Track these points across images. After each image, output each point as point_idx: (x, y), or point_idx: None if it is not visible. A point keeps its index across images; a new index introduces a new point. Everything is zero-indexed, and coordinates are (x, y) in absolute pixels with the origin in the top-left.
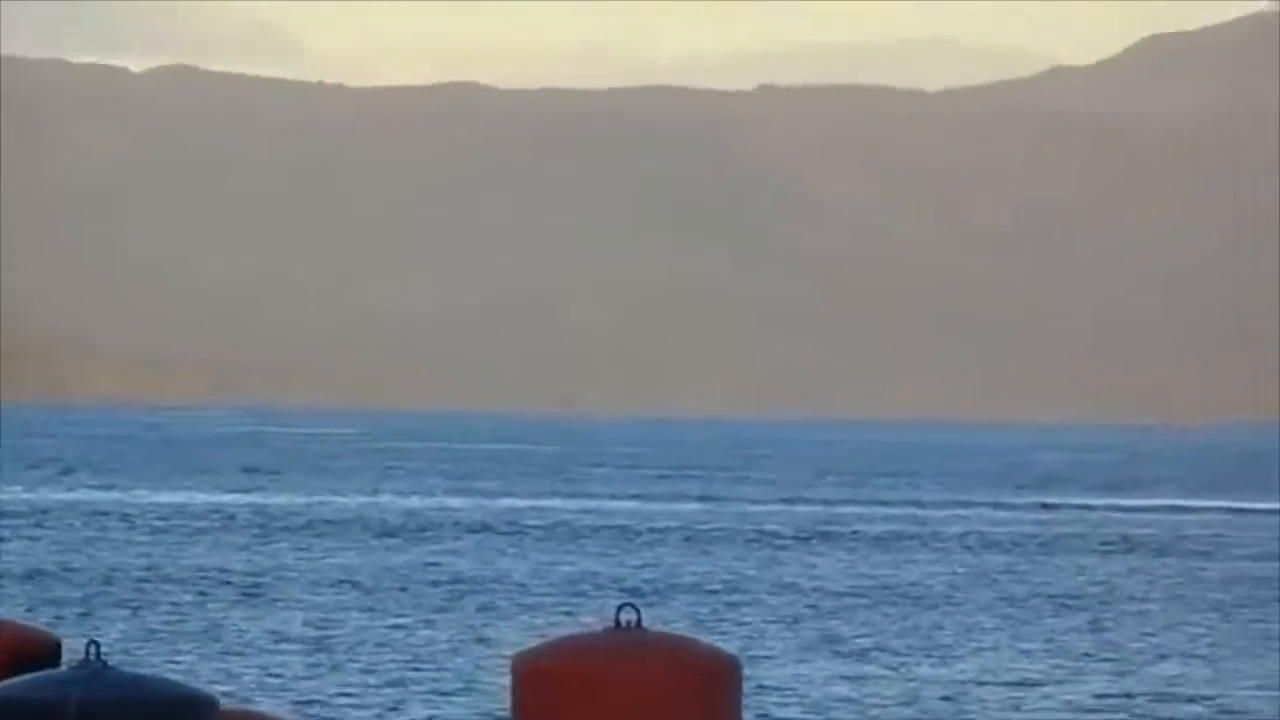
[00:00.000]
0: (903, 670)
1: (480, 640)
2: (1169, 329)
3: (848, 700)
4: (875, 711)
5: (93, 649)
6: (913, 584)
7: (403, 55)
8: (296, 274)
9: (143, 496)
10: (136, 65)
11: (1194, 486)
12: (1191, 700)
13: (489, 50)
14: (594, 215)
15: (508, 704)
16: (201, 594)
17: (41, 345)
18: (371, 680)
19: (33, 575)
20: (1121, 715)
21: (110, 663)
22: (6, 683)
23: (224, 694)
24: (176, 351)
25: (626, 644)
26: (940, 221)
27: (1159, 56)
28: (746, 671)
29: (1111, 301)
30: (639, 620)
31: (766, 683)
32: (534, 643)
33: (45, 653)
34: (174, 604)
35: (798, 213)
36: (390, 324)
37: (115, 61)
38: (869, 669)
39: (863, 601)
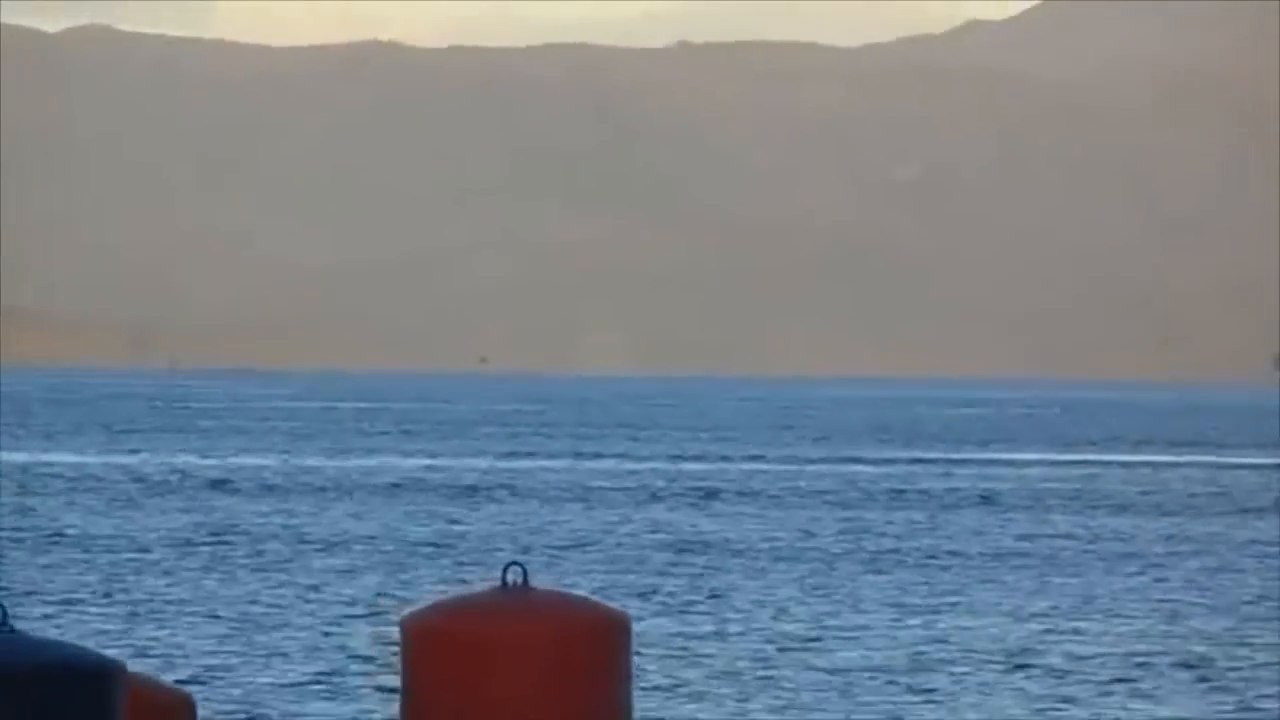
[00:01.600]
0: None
1: (365, 602)
2: (1073, 285)
3: (717, 652)
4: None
5: None
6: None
7: (314, 15)
8: (211, 231)
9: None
10: (52, 25)
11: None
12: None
13: (399, 8)
14: (502, 173)
15: (398, 664)
16: (101, 557)
17: None
18: (260, 642)
19: None
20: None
21: (16, 628)
22: None
23: (130, 660)
24: (91, 312)
25: (515, 602)
26: (852, 178)
27: (1070, 11)
28: (635, 627)
29: (1019, 258)
30: (526, 578)
31: (651, 638)
32: (422, 602)
33: None
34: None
35: (709, 170)
36: (301, 281)
37: (29, 22)
38: (736, 620)
39: (762, 558)
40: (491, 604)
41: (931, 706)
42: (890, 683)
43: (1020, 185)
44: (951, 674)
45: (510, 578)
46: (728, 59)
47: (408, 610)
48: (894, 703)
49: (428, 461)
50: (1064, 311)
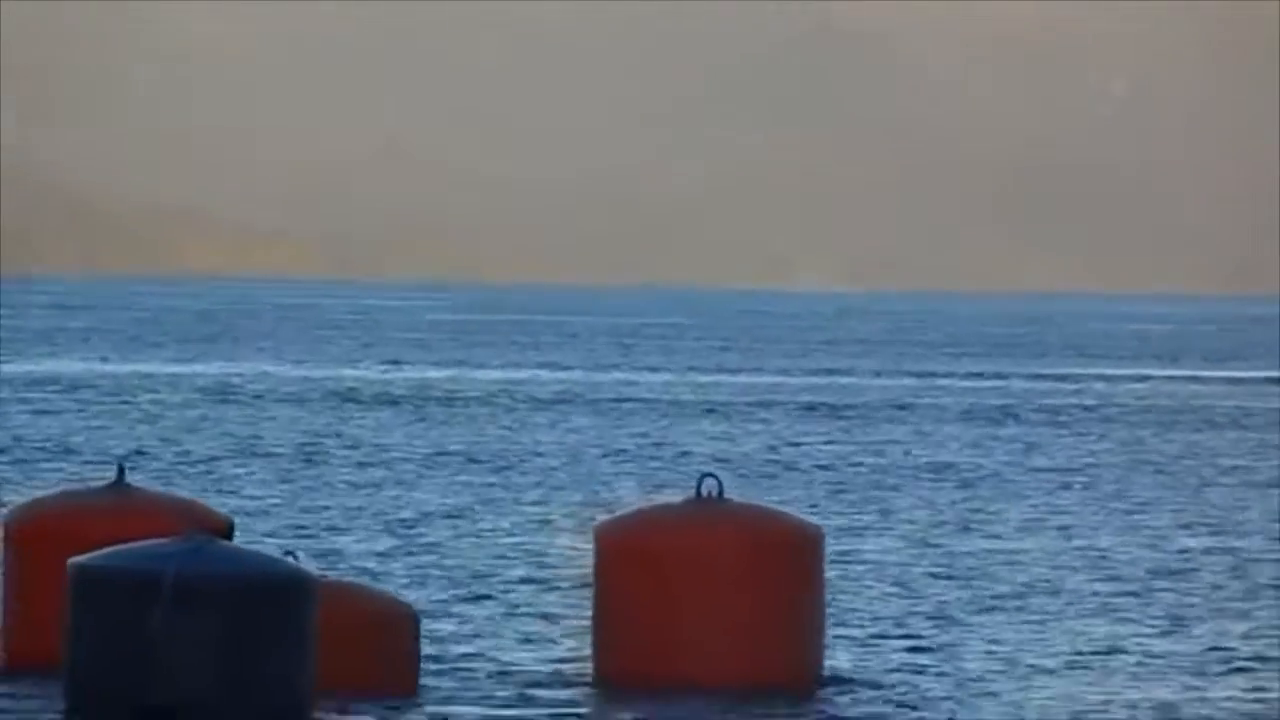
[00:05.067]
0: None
1: (559, 510)
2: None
3: (930, 576)
4: (961, 584)
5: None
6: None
7: None
8: (402, 142)
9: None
10: None
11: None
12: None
13: None
14: (693, 90)
15: (590, 571)
16: (305, 462)
17: (150, 214)
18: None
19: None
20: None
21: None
22: (109, 550)
23: (324, 569)
24: (283, 224)
25: (708, 513)
26: (1058, 95)
27: None
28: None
29: (1217, 180)
30: (721, 490)
31: (847, 553)
32: (616, 512)
33: (216, 533)
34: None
35: (912, 89)
36: (486, 196)
37: None
38: (942, 544)
39: (929, 478)
40: (684, 514)
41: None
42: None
43: (1231, 105)
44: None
45: (705, 489)
46: None
47: (601, 519)
48: None
49: (621, 375)
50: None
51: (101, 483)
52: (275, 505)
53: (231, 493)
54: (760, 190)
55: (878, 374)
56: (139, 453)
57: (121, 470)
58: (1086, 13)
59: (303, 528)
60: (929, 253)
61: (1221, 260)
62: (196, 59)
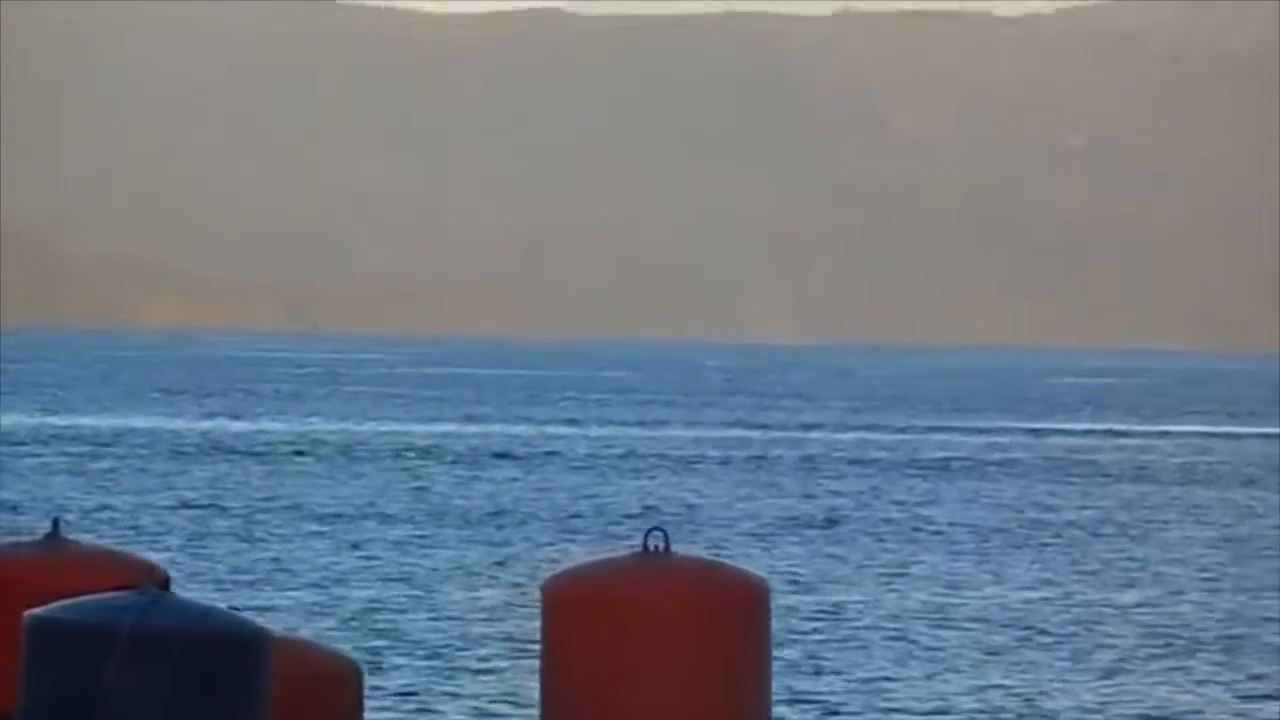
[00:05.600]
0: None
1: (503, 565)
2: (1239, 258)
3: (876, 625)
4: (905, 626)
5: (156, 574)
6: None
7: None
8: (371, 195)
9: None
10: None
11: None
12: None
13: None
14: (660, 138)
15: (536, 627)
16: (250, 525)
17: (104, 265)
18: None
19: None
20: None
21: (176, 592)
22: (64, 603)
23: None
24: (247, 277)
25: (655, 567)
26: (1018, 146)
27: None
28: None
29: (1176, 226)
30: (667, 544)
31: (793, 605)
32: (562, 566)
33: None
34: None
35: (868, 137)
36: (455, 248)
37: None
38: (889, 594)
39: (889, 527)
40: (630, 568)
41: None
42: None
43: (1191, 154)
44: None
45: (651, 543)
46: (892, 26)
47: (548, 574)
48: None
49: (566, 430)
50: (1235, 284)
51: (36, 535)
52: (209, 558)
53: (163, 547)
54: (725, 237)
55: (783, 428)
56: (68, 508)
57: (56, 523)
58: (1048, 70)
59: (238, 580)
60: (885, 305)
61: (1189, 314)
62: (161, 104)
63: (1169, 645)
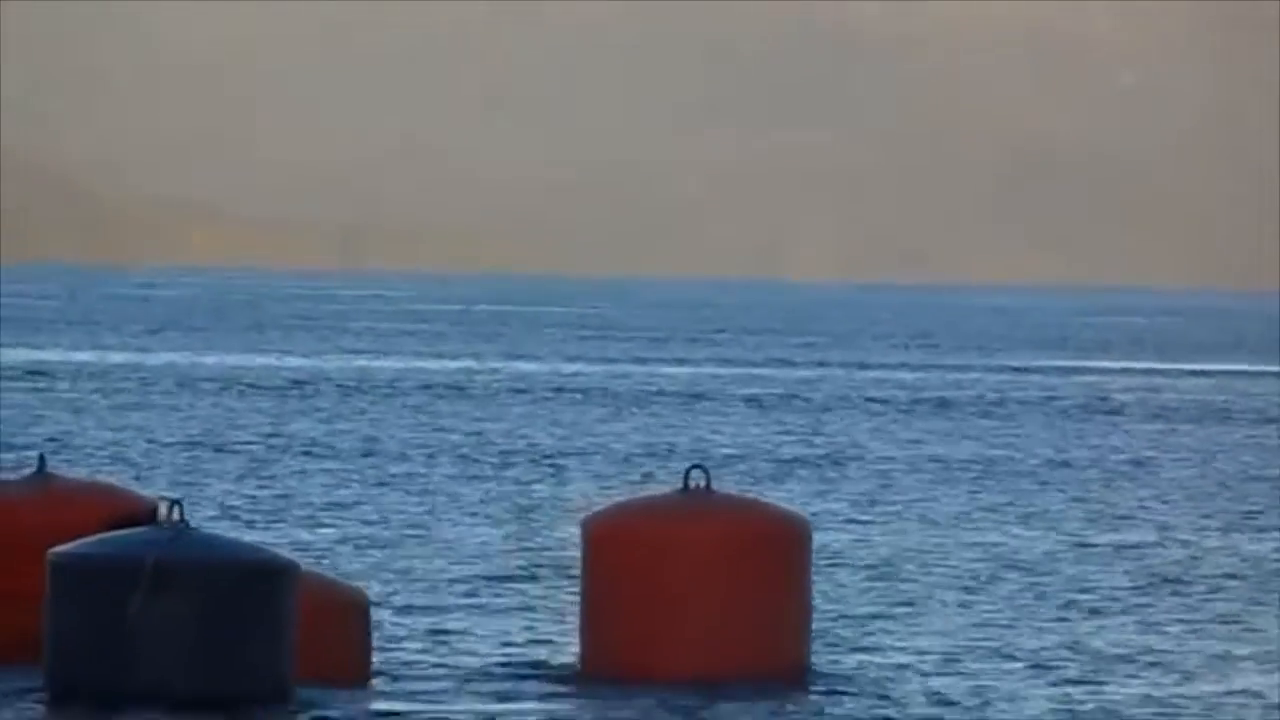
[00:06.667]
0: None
1: (544, 502)
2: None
3: (914, 558)
4: (941, 569)
5: (175, 510)
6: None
7: None
8: (412, 141)
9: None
10: None
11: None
12: None
13: None
14: (698, 84)
15: (578, 564)
16: (266, 457)
17: (166, 207)
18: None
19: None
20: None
21: (194, 525)
22: (86, 540)
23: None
24: (304, 215)
25: (696, 505)
26: (1066, 85)
27: None
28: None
29: (1223, 167)
30: (708, 482)
31: (833, 544)
32: (604, 503)
33: (140, 517)
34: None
35: (915, 78)
36: (499, 192)
37: None
38: (932, 534)
39: (930, 472)
40: (671, 506)
41: None
42: None
43: (1243, 96)
44: None
45: (692, 481)
46: None
47: (589, 511)
48: None
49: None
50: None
51: (24, 472)
52: (232, 495)
53: (191, 485)
54: (761, 184)
55: (821, 364)
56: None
57: (42, 459)
58: (1092, 10)
59: (263, 516)
60: (929, 245)
61: (1228, 255)
62: (204, 56)
63: (1153, 585)
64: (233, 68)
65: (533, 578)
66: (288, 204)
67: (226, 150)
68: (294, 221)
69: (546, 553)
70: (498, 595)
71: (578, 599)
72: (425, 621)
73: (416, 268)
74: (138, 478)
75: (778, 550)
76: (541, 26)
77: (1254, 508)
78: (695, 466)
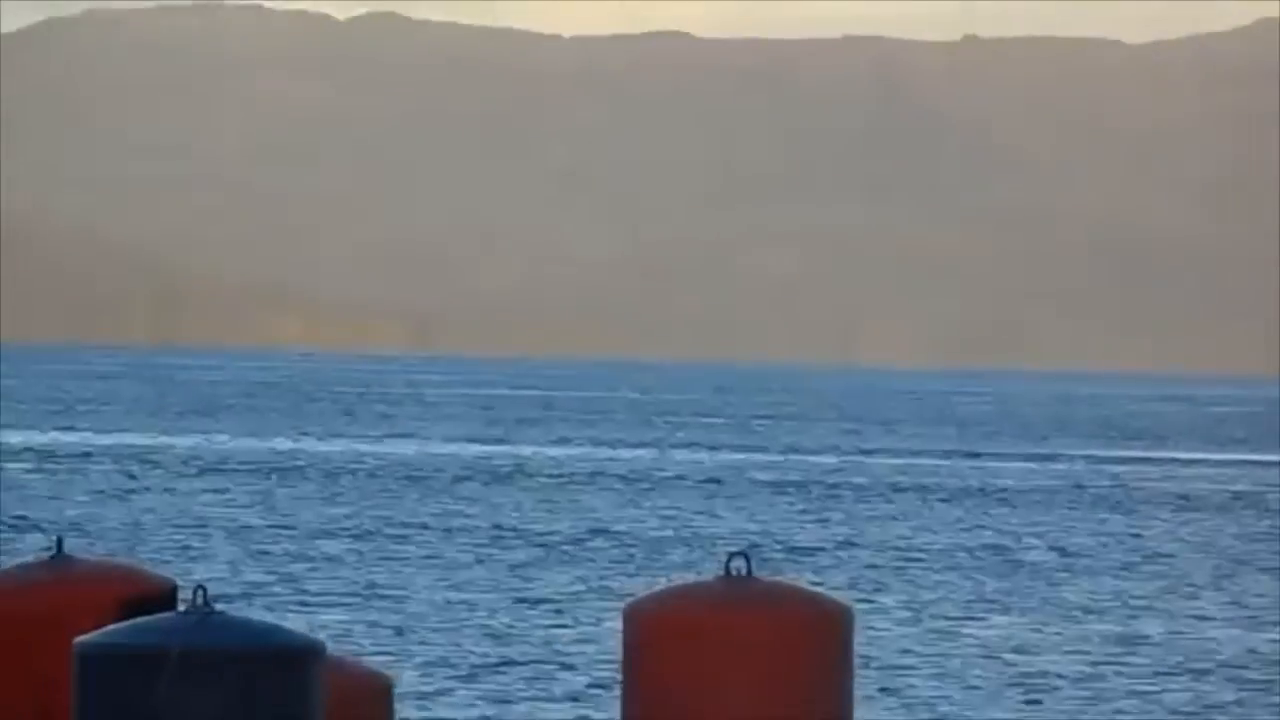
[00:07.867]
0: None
1: (592, 590)
2: None
3: (951, 655)
4: (981, 669)
5: (200, 594)
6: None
7: (601, 6)
8: (494, 219)
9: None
10: (340, 12)
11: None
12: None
13: (687, 4)
14: (785, 163)
15: (618, 651)
16: (306, 545)
17: (242, 292)
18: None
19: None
20: None
21: (219, 608)
22: (110, 628)
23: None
24: (375, 300)
25: (738, 592)
26: (1138, 178)
27: None
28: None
29: None
30: (750, 569)
31: (879, 633)
32: (645, 591)
33: (159, 598)
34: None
35: (991, 166)
36: (582, 272)
37: (318, 8)
38: (970, 627)
39: (965, 560)
40: (713, 593)
41: None
42: None
43: None
44: None
45: (734, 567)
46: (1018, 53)
47: (631, 598)
48: None
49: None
50: None
51: (42, 555)
52: (256, 575)
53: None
54: (848, 263)
55: (867, 452)
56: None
57: (60, 542)
58: (1181, 102)
59: (286, 599)
60: (1005, 332)
61: None
62: (286, 130)
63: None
64: (303, 150)
65: (570, 666)
66: (359, 286)
67: (304, 236)
68: (366, 304)
69: (588, 644)
70: (535, 679)
71: (618, 687)
72: (467, 715)
73: (488, 351)
74: (173, 559)
75: (821, 639)
76: (620, 101)
77: None
78: (738, 553)
